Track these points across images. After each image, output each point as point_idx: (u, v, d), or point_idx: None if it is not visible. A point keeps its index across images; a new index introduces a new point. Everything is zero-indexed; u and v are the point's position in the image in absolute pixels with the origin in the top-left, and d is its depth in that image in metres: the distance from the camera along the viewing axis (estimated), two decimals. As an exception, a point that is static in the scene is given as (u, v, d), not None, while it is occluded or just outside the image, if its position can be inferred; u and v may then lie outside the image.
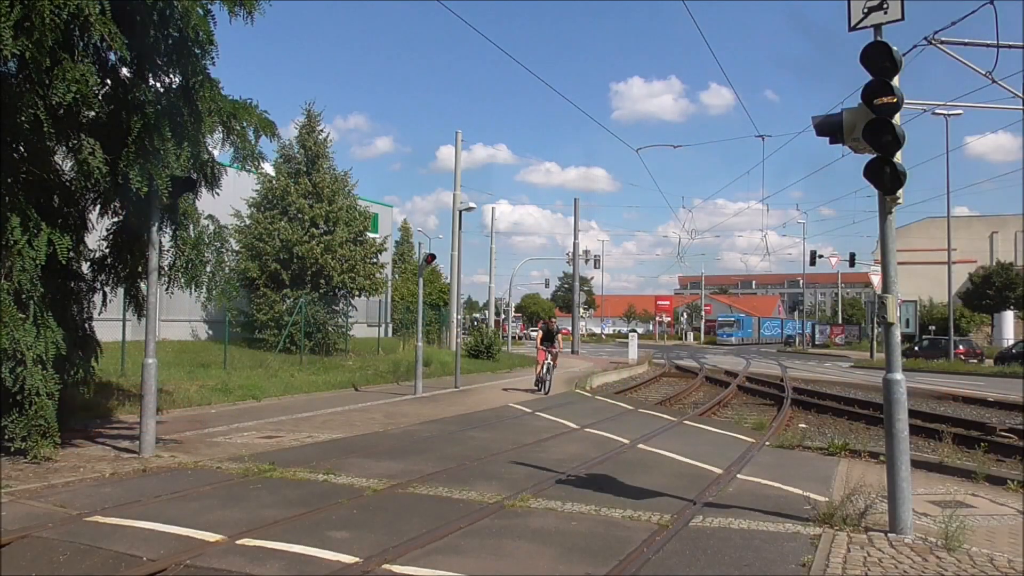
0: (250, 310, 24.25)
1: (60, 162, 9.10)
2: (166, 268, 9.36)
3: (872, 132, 5.88)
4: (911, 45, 15.88)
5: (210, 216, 9.74)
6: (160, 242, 8.96)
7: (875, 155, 5.95)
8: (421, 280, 18.54)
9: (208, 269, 9.38)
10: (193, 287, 9.37)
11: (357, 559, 5.09)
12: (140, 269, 9.77)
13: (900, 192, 5.95)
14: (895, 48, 5.83)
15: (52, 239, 8.05)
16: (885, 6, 5.85)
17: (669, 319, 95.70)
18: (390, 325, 36.69)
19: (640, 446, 10.46)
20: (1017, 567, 5.08)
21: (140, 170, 8.00)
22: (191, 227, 9.46)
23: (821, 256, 50.30)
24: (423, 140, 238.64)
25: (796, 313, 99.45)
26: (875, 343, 42.82)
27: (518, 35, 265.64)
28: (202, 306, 24.64)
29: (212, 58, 8.62)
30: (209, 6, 8.53)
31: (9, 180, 8.07)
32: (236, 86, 47.91)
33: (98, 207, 9.56)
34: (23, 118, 7.29)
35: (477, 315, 69.59)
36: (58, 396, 8.17)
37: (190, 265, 9.26)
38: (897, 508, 5.76)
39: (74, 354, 9.36)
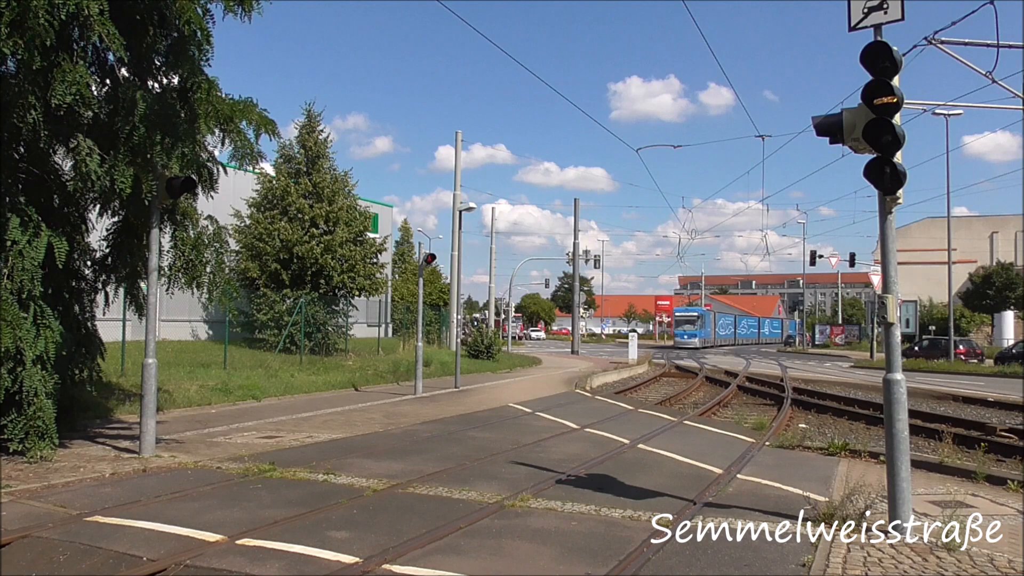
0: (250, 310, 24.23)
1: (60, 162, 9.10)
2: (166, 268, 9.36)
3: (872, 132, 5.89)
4: (911, 45, 15.94)
5: (210, 217, 9.74)
6: (160, 242, 8.96)
7: (875, 155, 5.96)
8: (421, 280, 18.54)
9: (208, 270, 9.38)
10: (194, 288, 9.37)
11: (357, 559, 5.09)
12: (140, 269, 9.77)
13: (900, 192, 5.95)
14: (895, 48, 5.83)
15: (51, 241, 8.04)
16: (885, 6, 5.85)
17: (669, 319, 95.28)
18: (390, 325, 36.67)
19: (640, 446, 10.46)
20: (1017, 567, 5.08)
21: (125, 171, 7.97)
22: (190, 228, 9.46)
23: (821, 256, 50.42)
24: (422, 140, 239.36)
25: (796, 313, 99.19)
26: (875, 343, 42.83)
27: (517, 35, 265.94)
28: (203, 307, 24.65)
29: (207, 59, 8.61)
30: (208, 5, 8.53)
31: (9, 180, 8.07)
32: (236, 86, 47.97)
33: (97, 207, 9.56)
34: (21, 119, 7.28)
35: (477, 315, 69.62)
36: (59, 396, 8.18)
37: (190, 266, 9.26)
38: (897, 508, 5.75)
39: (77, 353, 9.37)
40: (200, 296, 9.61)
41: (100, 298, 10.11)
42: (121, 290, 10.30)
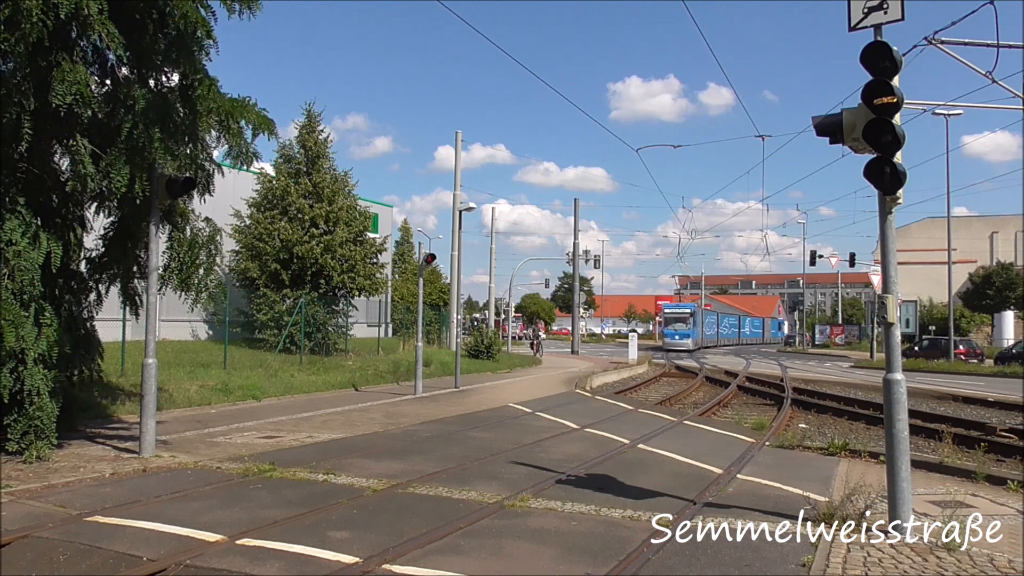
0: (250, 310, 24.23)
1: (58, 161, 9.09)
2: (160, 269, 9.34)
3: (872, 132, 5.88)
4: (911, 45, 15.94)
5: (207, 219, 9.71)
6: (158, 242, 8.94)
7: (875, 155, 5.95)
8: (421, 280, 18.54)
9: (201, 272, 9.35)
10: (184, 289, 9.34)
11: (357, 559, 5.09)
12: (135, 268, 9.76)
13: (900, 192, 5.95)
14: (895, 48, 5.83)
15: (50, 245, 8.03)
16: (885, 6, 5.85)
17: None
18: (390, 325, 36.65)
19: (640, 446, 10.46)
20: (1017, 567, 5.08)
21: (122, 171, 7.96)
22: (187, 228, 9.45)
23: (821, 256, 50.40)
24: (422, 140, 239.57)
25: (797, 313, 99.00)
26: (875, 343, 42.82)
27: (517, 35, 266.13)
28: (190, 308, 24.62)
29: (209, 56, 8.60)
30: (209, 2, 8.52)
31: (8, 180, 8.06)
32: (236, 86, 47.76)
33: (95, 206, 9.54)
34: (11, 118, 7.28)
35: (477, 315, 69.53)
36: (60, 395, 8.16)
37: (183, 267, 9.23)
38: (897, 508, 5.75)
39: (76, 353, 9.36)
40: (189, 298, 9.55)
41: (93, 296, 10.08)
42: (114, 289, 10.27)
